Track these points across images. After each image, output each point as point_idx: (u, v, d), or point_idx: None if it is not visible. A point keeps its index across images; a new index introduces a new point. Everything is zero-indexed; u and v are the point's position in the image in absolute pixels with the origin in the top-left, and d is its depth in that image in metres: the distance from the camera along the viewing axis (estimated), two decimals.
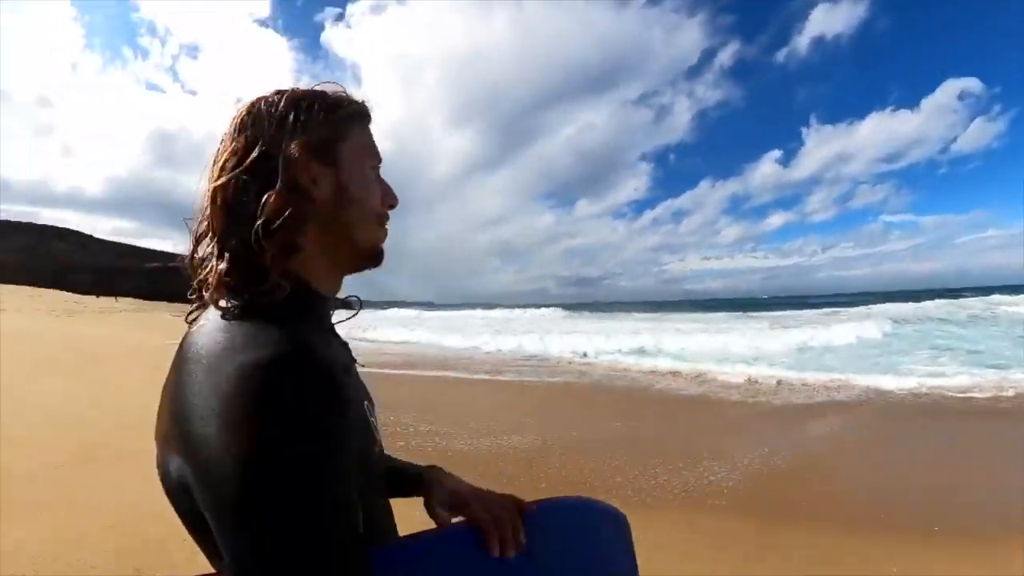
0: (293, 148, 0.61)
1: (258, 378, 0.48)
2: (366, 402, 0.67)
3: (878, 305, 27.82)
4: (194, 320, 0.63)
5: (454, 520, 0.76)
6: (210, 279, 0.58)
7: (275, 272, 0.57)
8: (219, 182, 0.59)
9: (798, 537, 2.69)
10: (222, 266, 0.58)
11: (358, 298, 0.76)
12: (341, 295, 0.72)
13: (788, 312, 28.12)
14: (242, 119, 0.62)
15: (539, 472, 3.63)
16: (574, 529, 0.86)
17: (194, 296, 0.64)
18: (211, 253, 0.60)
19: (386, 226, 0.71)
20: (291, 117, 0.62)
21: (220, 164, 0.60)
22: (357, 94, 0.69)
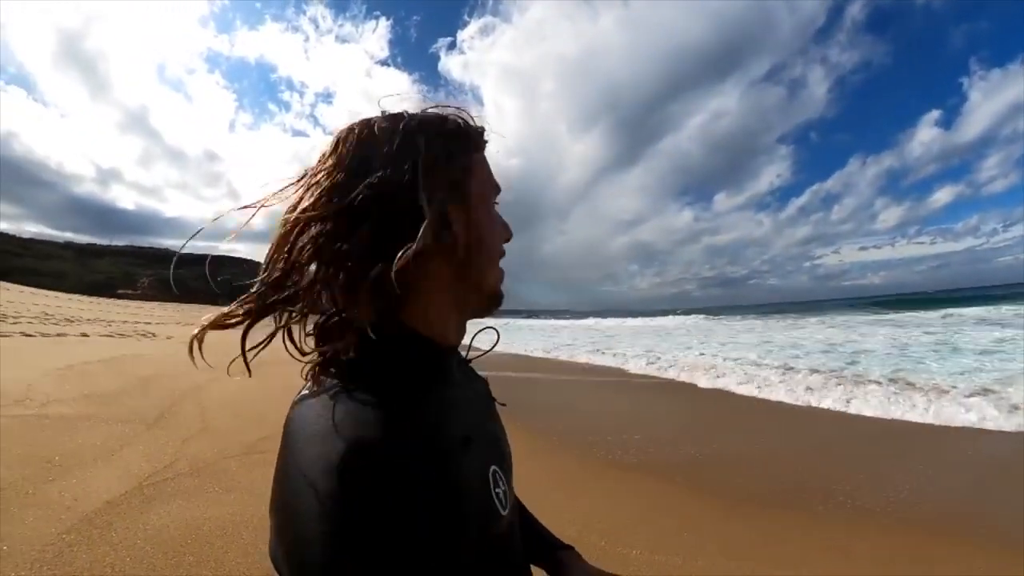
0: (435, 185, 0.54)
1: (341, 471, 0.43)
2: (494, 468, 0.57)
3: None
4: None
5: None
6: (338, 344, 0.51)
7: (389, 327, 0.53)
8: (331, 223, 0.51)
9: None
10: (356, 316, 0.51)
11: (496, 331, 0.71)
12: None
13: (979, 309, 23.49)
14: (357, 146, 0.54)
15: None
16: None
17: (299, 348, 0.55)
18: (328, 310, 0.52)
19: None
20: (421, 147, 0.54)
21: (330, 197, 0.52)
22: (474, 117, 0.61)
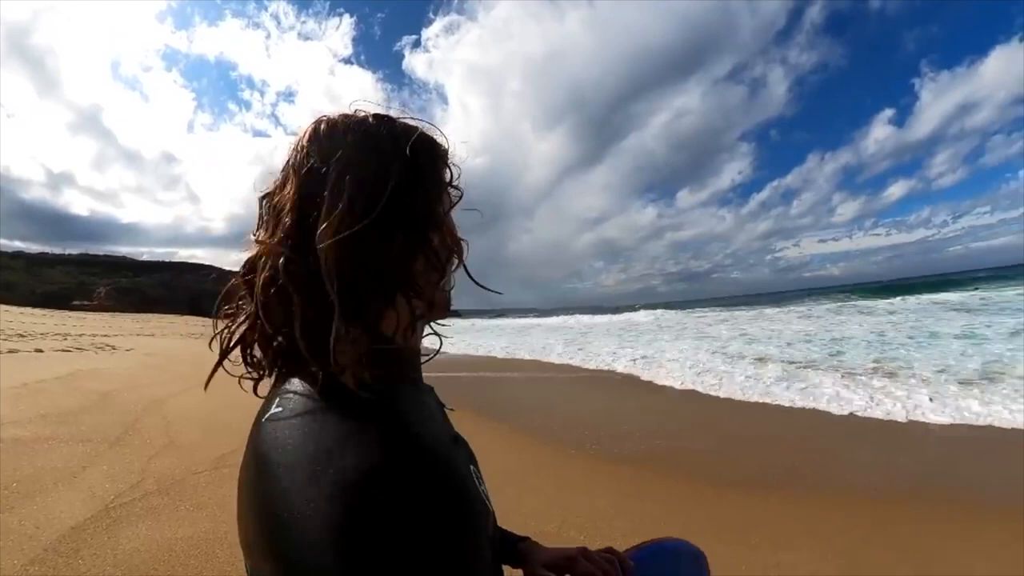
0: (434, 195, 0.57)
1: (374, 490, 0.41)
2: (472, 467, 0.57)
3: None
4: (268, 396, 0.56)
5: None
6: (341, 352, 0.48)
7: (371, 338, 0.52)
8: (350, 230, 0.49)
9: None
10: (357, 337, 0.50)
11: (440, 336, 0.69)
12: None
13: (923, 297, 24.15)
14: (368, 150, 0.53)
15: None
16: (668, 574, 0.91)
17: (259, 364, 0.57)
18: (330, 318, 0.49)
19: None
20: (430, 160, 0.57)
21: (347, 203, 0.50)
22: (433, 129, 0.62)
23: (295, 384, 0.52)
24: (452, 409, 0.72)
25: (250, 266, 0.54)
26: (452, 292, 0.64)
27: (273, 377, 0.57)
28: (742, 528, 2.59)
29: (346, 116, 0.56)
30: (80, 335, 16.08)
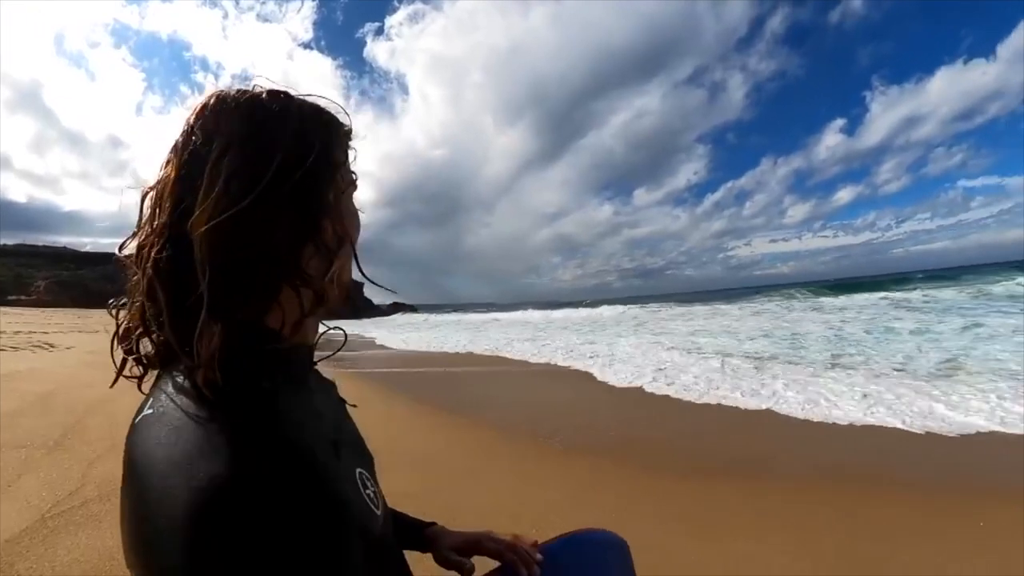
0: (328, 177, 0.53)
1: (227, 502, 0.38)
2: (360, 470, 0.54)
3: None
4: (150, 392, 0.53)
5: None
6: (206, 349, 0.44)
7: (249, 333, 0.48)
8: (226, 213, 0.45)
9: None
10: (216, 332, 0.45)
11: (343, 330, 0.66)
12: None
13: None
14: (255, 124, 0.49)
15: None
16: (587, 565, 0.91)
17: (139, 354, 0.53)
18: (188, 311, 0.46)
19: None
20: (326, 136, 0.53)
21: (223, 185, 0.46)
22: (338, 107, 0.59)
23: (168, 383, 0.49)
24: (355, 406, 0.71)
25: (138, 257, 0.51)
26: (390, 285, 0.64)
27: (155, 374, 0.54)
28: (696, 516, 2.66)
29: (241, 91, 0.52)
30: (16, 332, 15.11)
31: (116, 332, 0.54)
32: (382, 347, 15.06)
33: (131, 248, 0.52)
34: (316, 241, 0.52)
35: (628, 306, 36.10)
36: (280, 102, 0.52)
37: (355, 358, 11.37)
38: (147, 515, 0.41)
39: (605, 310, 32.93)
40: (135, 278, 0.50)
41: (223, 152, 0.47)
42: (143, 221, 0.51)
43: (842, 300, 23.20)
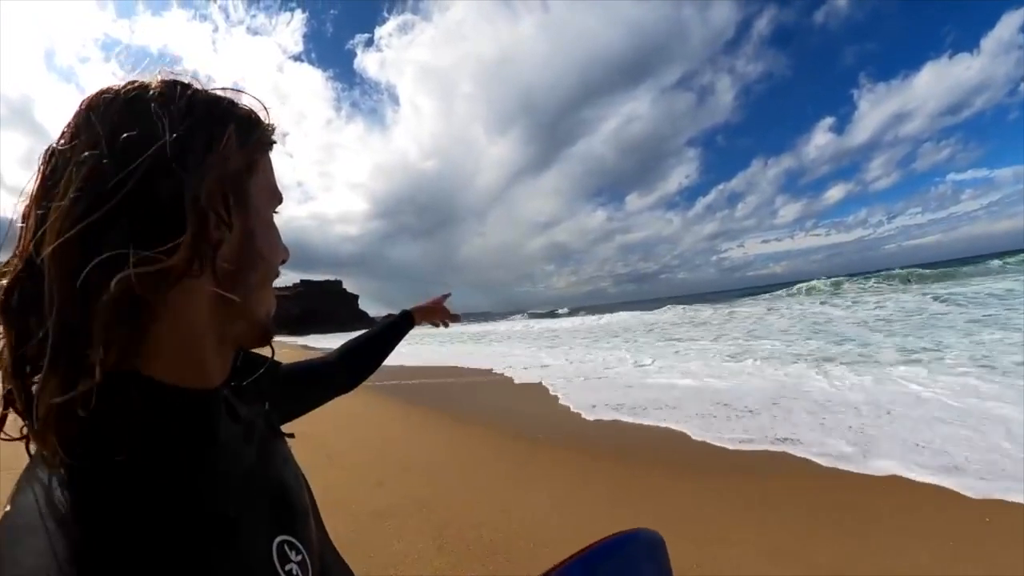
0: (207, 182, 0.40)
1: None
2: (281, 539, 0.46)
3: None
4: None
5: None
6: (47, 410, 0.35)
7: (115, 380, 0.37)
8: (71, 231, 0.36)
9: None
10: (56, 385, 0.35)
11: (272, 355, 0.55)
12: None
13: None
14: (112, 119, 0.39)
15: None
16: (631, 567, 0.89)
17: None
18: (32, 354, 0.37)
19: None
20: (196, 132, 0.41)
21: (73, 198, 0.36)
22: (258, 106, 0.48)
23: (37, 459, 0.39)
24: (292, 436, 0.61)
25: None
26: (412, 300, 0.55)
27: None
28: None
29: (130, 83, 0.42)
30: None
31: None
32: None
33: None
34: (202, 260, 0.40)
35: (634, 312, 32.85)
36: (167, 93, 0.42)
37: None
38: None
39: (615, 317, 30.10)
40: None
41: (81, 154, 0.37)
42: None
43: (853, 295, 22.51)
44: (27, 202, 0.39)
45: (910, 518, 2.60)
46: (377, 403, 6.98)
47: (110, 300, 0.35)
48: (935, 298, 14.41)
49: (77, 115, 0.40)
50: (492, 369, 10.60)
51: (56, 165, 0.39)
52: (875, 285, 28.09)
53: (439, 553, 2.50)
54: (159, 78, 0.43)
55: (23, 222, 0.39)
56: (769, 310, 19.00)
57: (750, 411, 5.06)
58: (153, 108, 0.40)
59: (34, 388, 0.36)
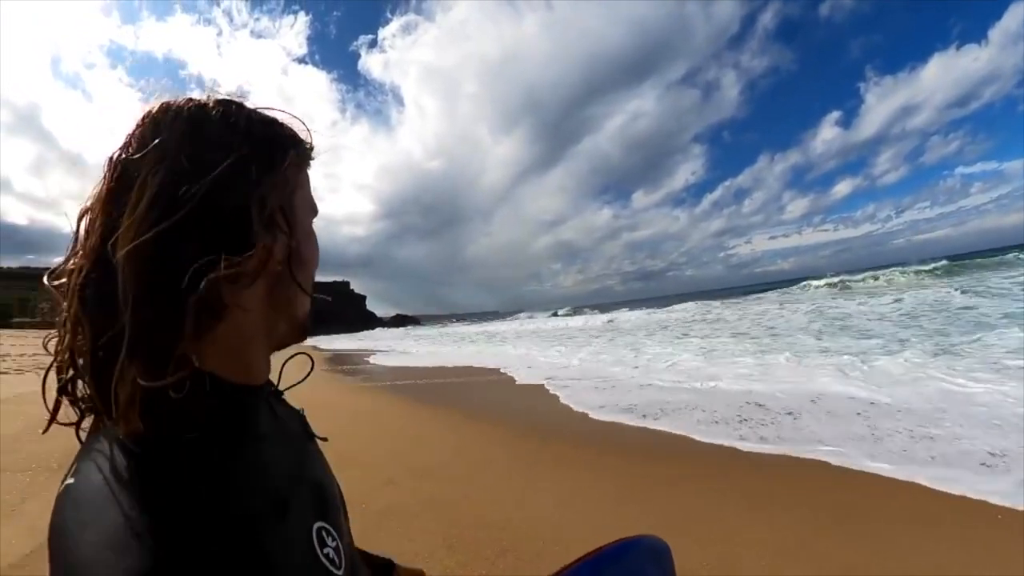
0: (272, 197, 0.47)
1: None
2: (319, 525, 0.48)
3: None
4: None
5: None
6: (120, 394, 0.40)
7: (175, 369, 0.41)
8: (148, 234, 0.40)
9: None
10: (136, 373, 0.40)
11: (311, 357, 0.63)
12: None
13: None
14: (188, 133, 0.44)
15: None
16: (637, 572, 0.89)
17: (74, 396, 0.47)
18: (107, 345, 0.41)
19: None
20: (260, 152, 0.47)
21: (147, 204, 0.41)
22: (299, 124, 0.54)
23: (99, 439, 0.44)
24: (325, 439, 0.65)
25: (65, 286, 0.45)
26: (409, 299, 0.58)
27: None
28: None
29: (188, 99, 0.47)
30: (21, 355, 15.16)
31: (47, 369, 0.47)
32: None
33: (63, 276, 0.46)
34: (246, 263, 0.45)
35: (647, 310, 31.50)
36: (227, 112, 0.47)
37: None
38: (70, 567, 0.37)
39: (626, 315, 29.11)
40: (64, 309, 0.44)
41: (154, 165, 0.42)
42: (77, 244, 0.45)
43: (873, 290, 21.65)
44: (91, 204, 0.45)
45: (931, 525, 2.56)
46: (387, 402, 7.02)
47: (198, 299, 0.41)
48: (961, 291, 13.80)
49: (141, 128, 0.45)
50: (500, 368, 10.62)
51: (124, 173, 0.43)
52: (888, 277, 27.59)
53: (449, 552, 2.50)
54: (213, 96, 0.48)
55: (86, 224, 0.45)
56: (782, 305, 18.70)
57: (788, 412, 4.79)
58: (216, 127, 0.45)
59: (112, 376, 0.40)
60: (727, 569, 2.23)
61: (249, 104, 0.50)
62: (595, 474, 3.60)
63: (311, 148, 0.54)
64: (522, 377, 9.05)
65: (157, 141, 0.43)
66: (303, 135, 0.54)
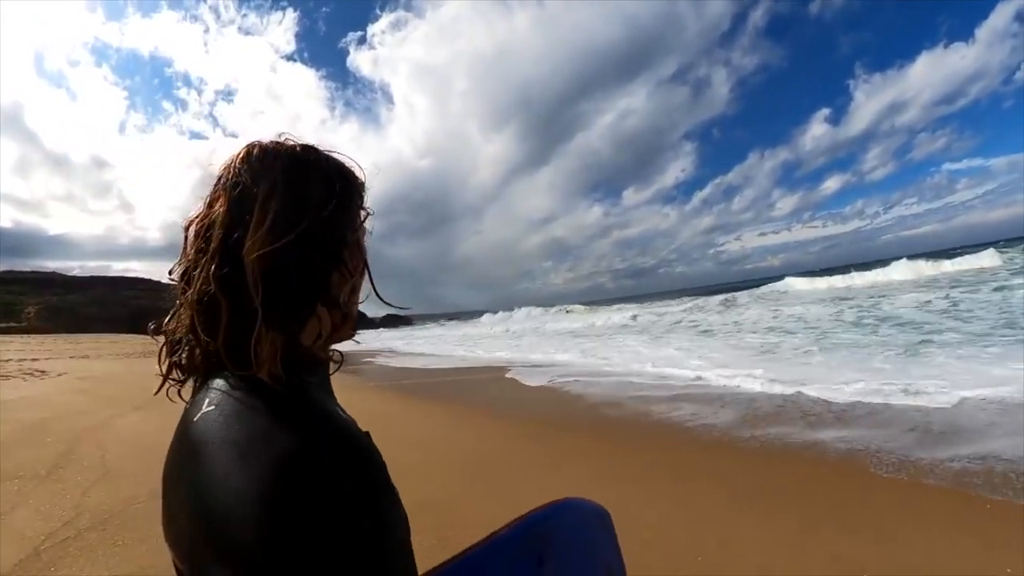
0: (357, 232, 0.67)
1: (306, 467, 0.45)
2: None
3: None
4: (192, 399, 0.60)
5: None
6: (260, 353, 0.54)
7: (289, 343, 0.58)
8: (274, 245, 0.55)
9: None
10: (273, 337, 0.55)
11: (341, 354, 0.78)
12: None
13: None
14: (295, 175, 0.60)
15: None
16: (572, 531, 0.94)
17: (183, 366, 0.63)
18: (249, 324, 0.55)
19: None
20: (348, 196, 0.65)
21: (272, 221, 0.56)
22: (353, 163, 0.70)
23: (220, 384, 0.56)
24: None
25: (185, 278, 0.60)
26: (403, 302, 0.76)
27: (195, 381, 0.63)
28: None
29: (276, 143, 0.64)
30: (6, 360, 14.91)
31: (163, 344, 0.64)
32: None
33: (177, 273, 0.62)
34: (341, 271, 0.62)
35: (641, 305, 30.31)
36: (312, 155, 0.63)
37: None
38: (220, 493, 0.46)
39: (621, 313, 27.93)
40: (185, 295, 0.59)
41: (269, 194, 0.57)
42: (188, 247, 0.61)
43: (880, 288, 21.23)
44: (200, 218, 0.61)
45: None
46: (382, 400, 6.97)
47: (298, 294, 0.58)
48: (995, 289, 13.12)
49: (248, 162, 0.60)
50: (497, 365, 10.59)
51: (240, 198, 0.58)
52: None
53: (445, 551, 2.49)
54: (298, 142, 0.64)
55: (203, 231, 0.59)
56: (778, 301, 18.62)
57: (831, 413, 4.49)
58: (310, 170, 0.61)
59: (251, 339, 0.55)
60: (721, 559, 2.23)
61: (321, 148, 0.65)
62: (595, 473, 3.60)
63: (363, 182, 0.69)
64: (529, 373, 9.04)
65: (268, 176, 0.59)
66: (357, 171, 0.69)
